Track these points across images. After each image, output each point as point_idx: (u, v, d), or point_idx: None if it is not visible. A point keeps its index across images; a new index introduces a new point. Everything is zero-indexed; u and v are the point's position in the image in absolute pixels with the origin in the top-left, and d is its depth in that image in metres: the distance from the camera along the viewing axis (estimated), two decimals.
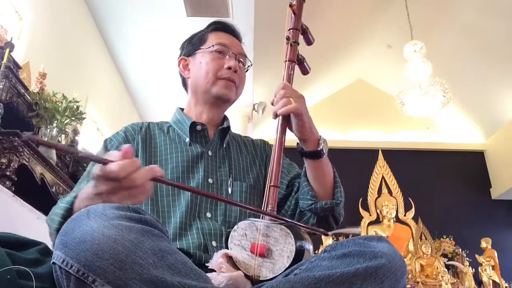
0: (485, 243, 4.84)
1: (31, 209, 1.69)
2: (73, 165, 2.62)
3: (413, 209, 5.17)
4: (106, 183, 0.69)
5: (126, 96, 4.91)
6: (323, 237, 4.52)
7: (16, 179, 1.91)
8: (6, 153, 1.88)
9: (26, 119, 2.28)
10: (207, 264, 0.78)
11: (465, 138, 5.80)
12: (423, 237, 4.95)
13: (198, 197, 0.99)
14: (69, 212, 0.80)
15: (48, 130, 2.33)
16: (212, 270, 0.76)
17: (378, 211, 5.21)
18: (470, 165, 5.64)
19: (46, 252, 0.81)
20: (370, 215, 5.22)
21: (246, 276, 0.75)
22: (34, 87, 2.47)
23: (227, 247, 0.81)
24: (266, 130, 5.75)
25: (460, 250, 4.85)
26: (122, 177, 0.68)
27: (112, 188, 0.69)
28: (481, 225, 5.16)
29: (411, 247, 4.93)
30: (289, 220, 0.78)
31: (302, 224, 0.79)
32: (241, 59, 1.15)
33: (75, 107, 2.48)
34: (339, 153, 4.46)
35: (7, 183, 1.86)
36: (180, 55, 1.20)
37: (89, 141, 3.55)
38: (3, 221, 1.49)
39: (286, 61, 0.97)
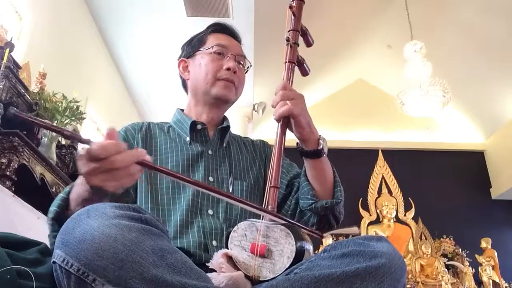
0: (485, 243, 4.84)
1: (31, 209, 1.69)
2: (73, 165, 2.62)
3: (413, 209, 5.17)
4: (87, 164, 0.69)
5: (126, 96, 4.91)
6: None
7: (16, 179, 1.91)
8: (6, 153, 1.88)
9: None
10: (207, 264, 0.78)
11: (465, 138, 5.80)
12: (423, 237, 4.96)
13: (200, 195, 0.99)
14: (65, 202, 0.83)
15: None
16: (212, 270, 0.76)
17: (378, 211, 5.22)
18: (470, 165, 5.64)
19: (46, 252, 0.81)
20: (370, 215, 5.23)
21: (246, 276, 0.75)
22: (34, 87, 2.47)
23: (227, 247, 0.81)
24: (266, 130, 5.76)
25: (460, 250, 4.85)
26: (102, 157, 0.68)
27: (93, 168, 0.69)
28: (481, 225, 5.16)
29: (411, 247, 4.93)
30: (289, 220, 0.78)
31: (301, 225, 0.79)
32: (240, 60, 1.16)
33: (75, 107, 2.48)
34: (339, 153, 4.47)
35: (7, 183, 1.86)
36: (179, 57, 1.21)
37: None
38: (3, 221, 1.49)
39: (286, 62, 0.97)
